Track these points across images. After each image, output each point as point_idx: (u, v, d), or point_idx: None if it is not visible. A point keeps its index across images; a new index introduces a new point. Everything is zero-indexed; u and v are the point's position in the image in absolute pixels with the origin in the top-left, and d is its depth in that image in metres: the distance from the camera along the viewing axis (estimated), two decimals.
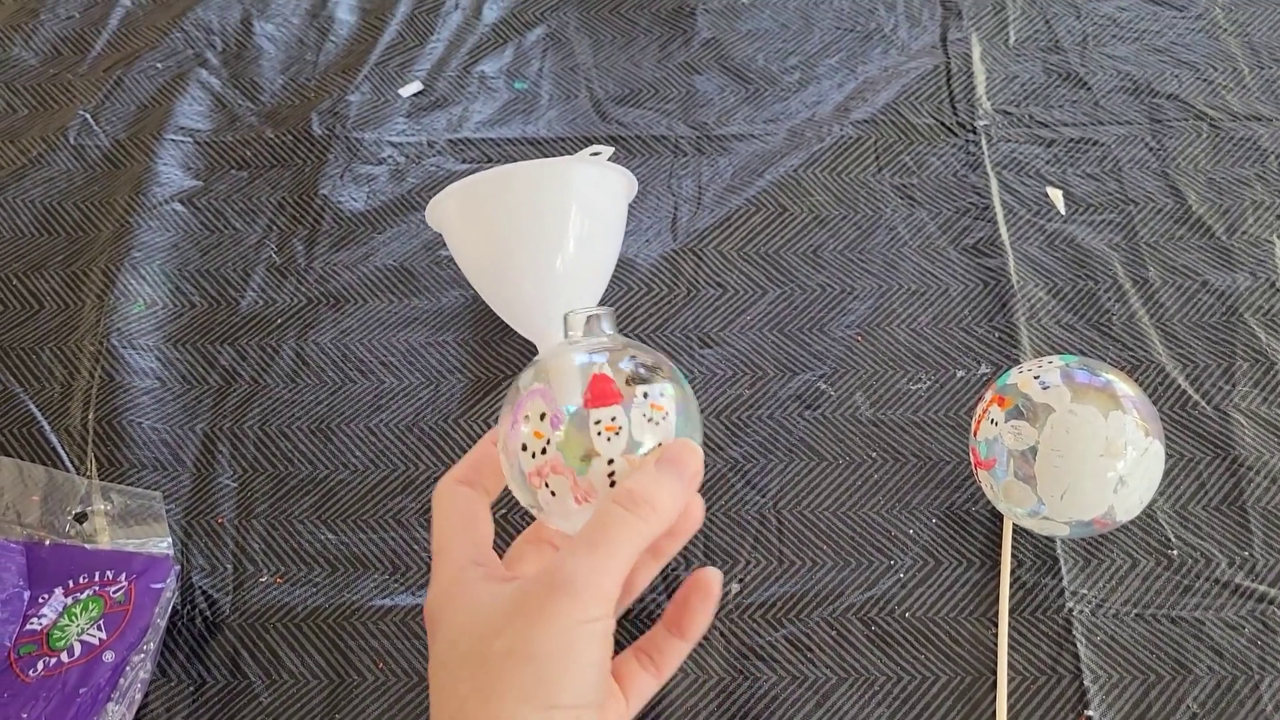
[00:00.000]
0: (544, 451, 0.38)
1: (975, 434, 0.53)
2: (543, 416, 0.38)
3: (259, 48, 0.80)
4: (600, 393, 0.38)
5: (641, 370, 0.39)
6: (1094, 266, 0.64)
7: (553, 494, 0.38)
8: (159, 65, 0.79)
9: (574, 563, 0.35)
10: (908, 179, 0.69)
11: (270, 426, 0.61)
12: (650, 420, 0.38)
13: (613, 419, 0.38)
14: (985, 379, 0.60)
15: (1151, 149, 0.69)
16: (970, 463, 0.55)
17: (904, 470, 0.58)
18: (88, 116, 0.76)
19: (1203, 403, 0.59)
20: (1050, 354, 0.60)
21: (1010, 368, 0.57)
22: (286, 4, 0.82)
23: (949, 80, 0.73)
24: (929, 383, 0.61)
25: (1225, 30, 0.74)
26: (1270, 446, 0.57)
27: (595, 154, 0.67)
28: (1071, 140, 0.70)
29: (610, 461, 0.37)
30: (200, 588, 0.56)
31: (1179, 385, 0.59)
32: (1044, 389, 0.50)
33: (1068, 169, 0.69)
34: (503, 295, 0.60)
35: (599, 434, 0.38)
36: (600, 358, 0.39)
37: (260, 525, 0.58)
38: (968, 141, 0.70)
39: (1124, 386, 0.50)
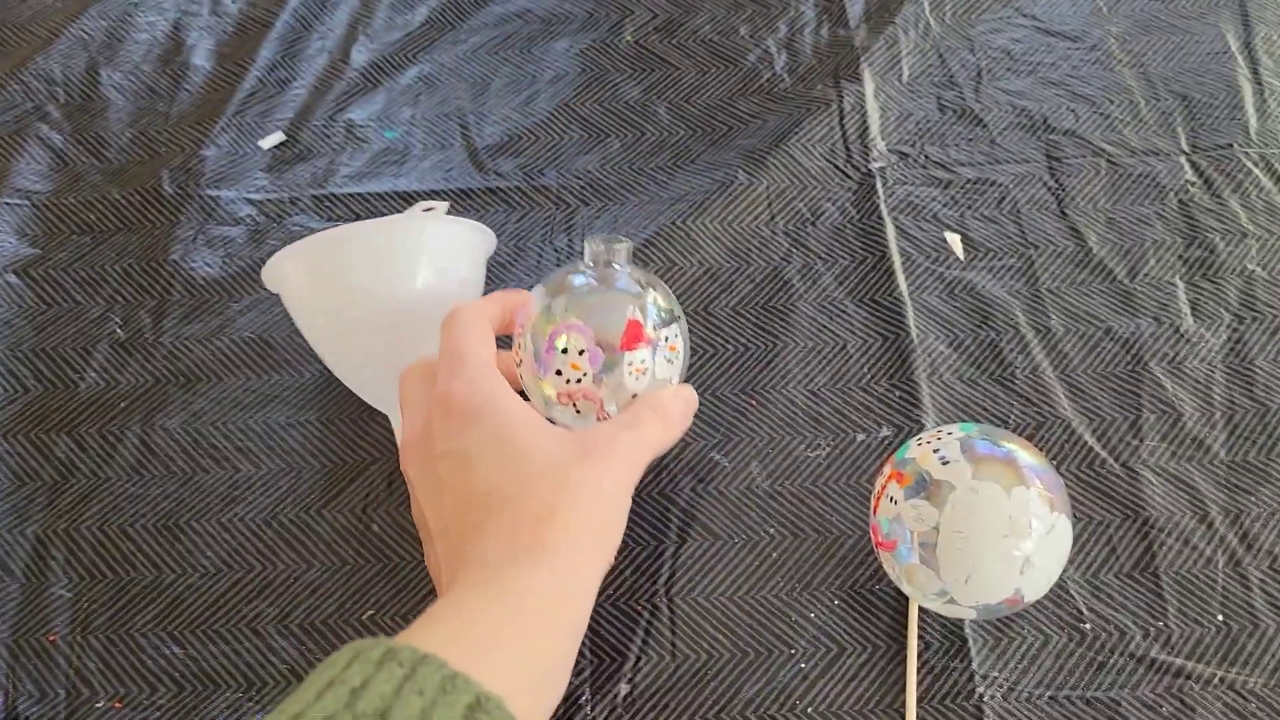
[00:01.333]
0: (579, 381, 0.45)
1: (875, 511, 0.49)
2: (581, 352, 0.45)
3: (106, 99, 0.74)
4: (633, 337, 0.45)
5: (661, 314, 0.47)
6: (995, 316, 0.61)
7: (578, 412, 0.46)
8: None
9: (625, 438, 0.44)
10: (802, 227, 0.65)
11: (111, 526, 0.55)
12: (668, 360, 0.47)
13: (642, 361, 0.45)
14: (886, 443, 0.57)
15: (1050, 188, 0.66)
16: (871, 540, 0.51)
17: (804, 547, 0.54)
18: None
19: (1110, 460, 0.56)
20: (952, 413, 0.57)
21: (909, 438, 0.53)
22: (137, 50, 0.76)
23: (842, 120, 0.70)
24: (828, 449, 0.57)
25: (1120, 61, 0.72)
26: (1180, 505, 0.55)
27: (428, 209, 0.63)
28: (969, 181, 0.67)
29: (634, 395, 0.46)
30: (27, 719, 0.50)
31: (1086, 442, 0.57)
32: (944, 464, 0.47)
33: (965, 212, 0.66)
34: (350, 364, 0.55)
35: (630, 374, 0.46)
36: (632, 304, 0.46)
37: (98, 641, 0.52)
38: (863, 185, 0.67)
39: (1026, 457, 0.47)
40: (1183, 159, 0.67)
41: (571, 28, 0.76)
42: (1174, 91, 0.71)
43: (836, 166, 0.68)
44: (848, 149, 0.69)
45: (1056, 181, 0.67)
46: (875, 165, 0.68)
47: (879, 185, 0.67)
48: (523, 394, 0.47)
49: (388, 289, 0.53)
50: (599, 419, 0.46)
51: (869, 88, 0.71)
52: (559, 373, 0.45)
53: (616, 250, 0.48)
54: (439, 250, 0.54)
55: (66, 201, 0.68)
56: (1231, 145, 0.67)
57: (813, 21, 0.76)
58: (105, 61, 0.76)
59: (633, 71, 0.74)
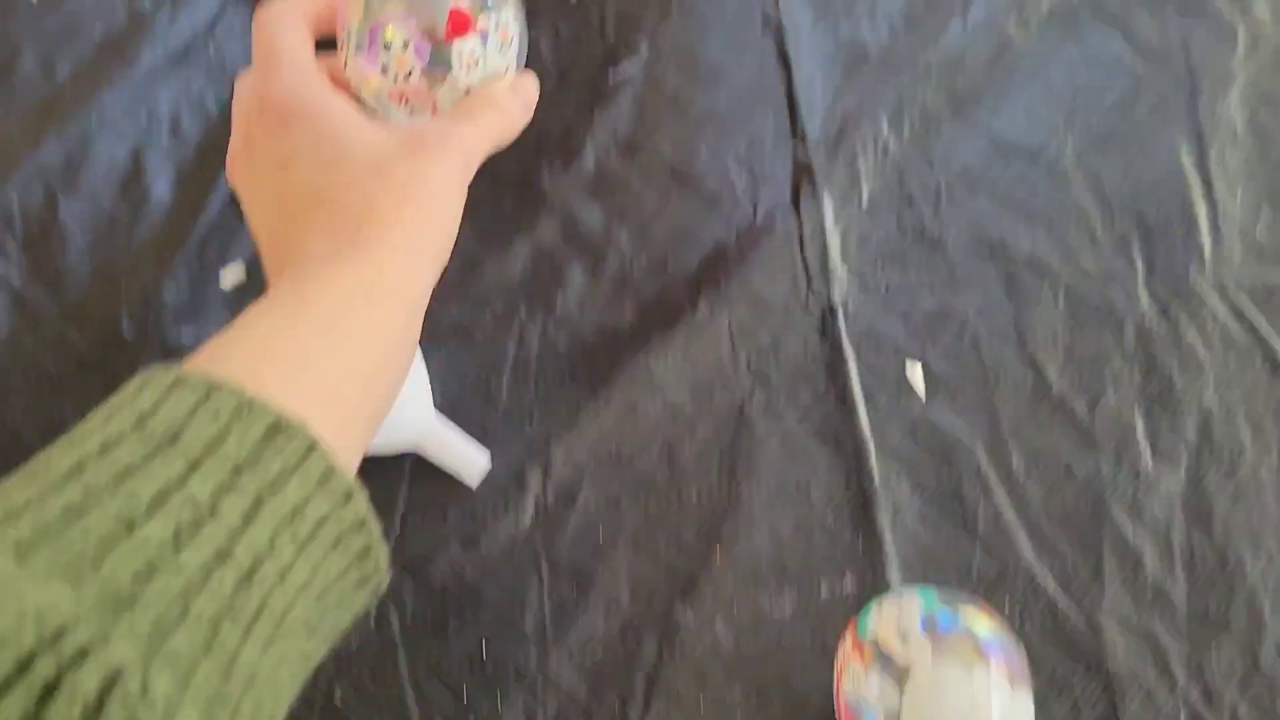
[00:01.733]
0: (407, 77, 0.43)
1: (838, 684, 0.50)
2: (405, 45, 0.42)
3: (65, 231, 0.73)
4: (459, 24, 0.43)
5: None
6: (957, 456, 0.62)
7: (411, 112, 0.44)
8: None
9: (457, 130, 0.42)
10: (764, 363, 0.66)
11: None
12: (500, 49, 0.44)
13: (471, 51, 0.43)
14: (849, 598, 0.57)
15: (1010, 318, 0.67)
16: (834, 708, 0.51)
17: (770, 713, 0.54)
18: None
19: (1073, 611, 0.56)
20: (916, 564, 0.57)
21: (872, 593, 0.54)
22: (96, 177, 0.76)
23: (802, 246, 0.70)
24: (792, 605, 0.57)
25: (1076, 181, 0.73)
26: (1142, 658, 0.55)
27: None
28: (929, 312, 0.67)
29: (468, 90, 0.44)
30: None
31: (1048, 592, 0.57)
32: (904, 642, 0.47)
33: (927, 344, 0.66)
34: None
35: (460, 66, 0.43)
36: None
37: None
38: (824, 314, 0.67)
39: (985, 630, 0.48)
40: (1140, 286, 0.68)
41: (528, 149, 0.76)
42: (1130, 212, 0.71)
43: (798, 295, 0.68)
44: (809, 277, 0.69)
45: (1016, 311, 0.67)
46: (836, 293, 0.68)
47: (841, 315, 0.67)
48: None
49: None
50: (431, 113, 0.44)
51: (829, 211, 0.72)
52: (385, 70, 0.43)
53: None
54: None
55: (23, 345, 0.68)
56: (1187, 272, 0.68)
57: (771, 140, 0.76)
58: (64, 190, 0.75)
59: (594, 197, 0.74)
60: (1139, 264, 0.69)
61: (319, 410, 0.33)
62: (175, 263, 0.71)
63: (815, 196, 0.73)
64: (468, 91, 0.44)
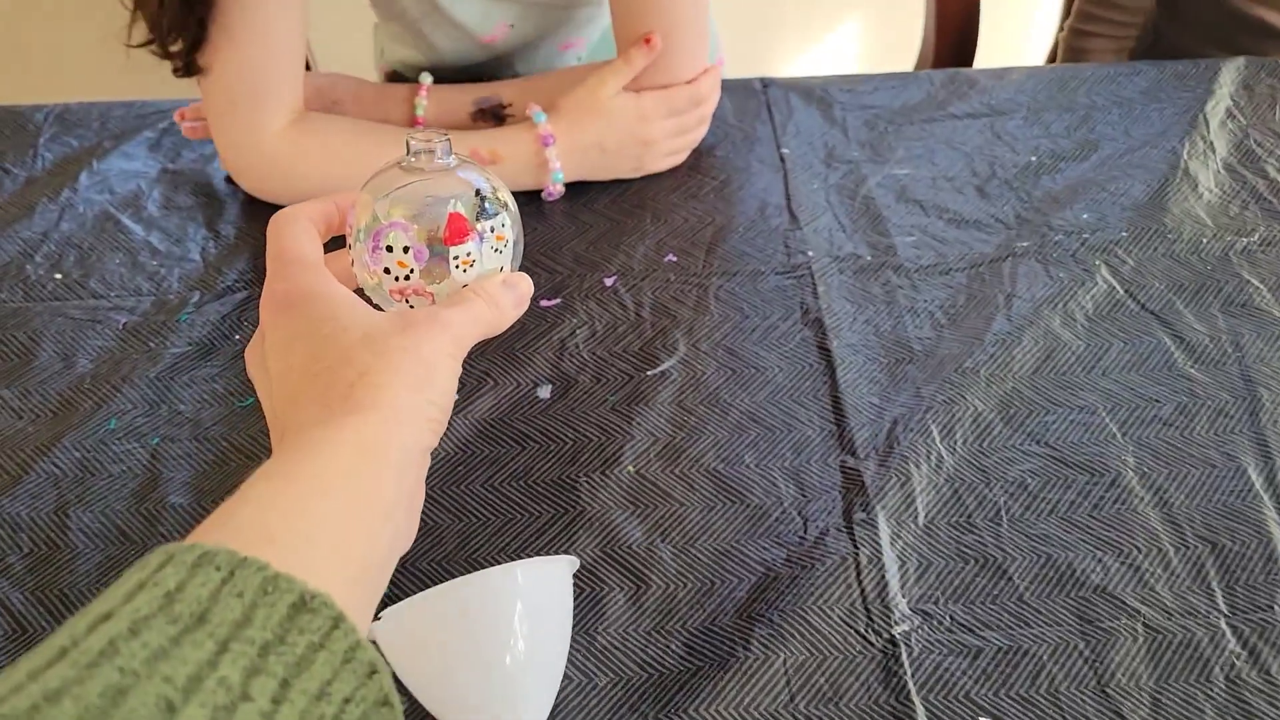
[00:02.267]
0: (407, 277, 0.48)
1: None
2: (406, 250, 0.47)
3: (73, 547, 0.69)
4: (457, 231, 0.47)
5: (486, 205, 0.48)
6: None
7: (411, 306, 0.49)
8: None
9: (448, 313, 0.46)
10: (825, 709, 0.60)
11: None
12: (495, 250, 0.50)
13: (468, 254, 0.48)
14: None
15: (1087, 659, 0.62)
16: None
17: None
18: None
19: None
20: None
21: None
22: (110, 485, 0.72)
23: (859, 574, 0.66)
24: None
25: (1142, 499, 0.69)
26: None
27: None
28: (999, 650, 0.63)
29: (464, 286, 0.48)
30: None
31: None
32: None
33: (1000, 690, 0.61)
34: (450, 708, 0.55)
35: (456, 267, 0.48)
36: (455, 197, 0.48)
37: None
38: (886, 655, 0.62)
39: None
40: (1223, 622, 0.63)
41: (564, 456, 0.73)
42: (1202, 537, 0.68)
43: (858, 632, 0.64)
44: (868, 610, 0.64)
45: (1093, 651, 0.62)
46: (899, 630, 0.63)
47: (904, 655, 0.62)
48: (361, 295, 0.49)
49: (488, 636, 0.54)
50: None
51: (885, 533, 0.68)
52: (387, 270, 0.48)
53: (437, 143, 0.49)
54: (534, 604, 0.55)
55: None
56: (1272, 607, 0.64)
57: (819, 448, 0.73)
58: (76, 500, 0.71)
59: (635, 508, 0.70)
60: (1219, 596, 0.65)
61: (330, 569, 0.36)
62: None
63: (869, 515, 0.69)
64: (464, 288, 0.49)
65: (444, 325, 0.46)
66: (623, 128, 0.87)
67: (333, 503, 0.38)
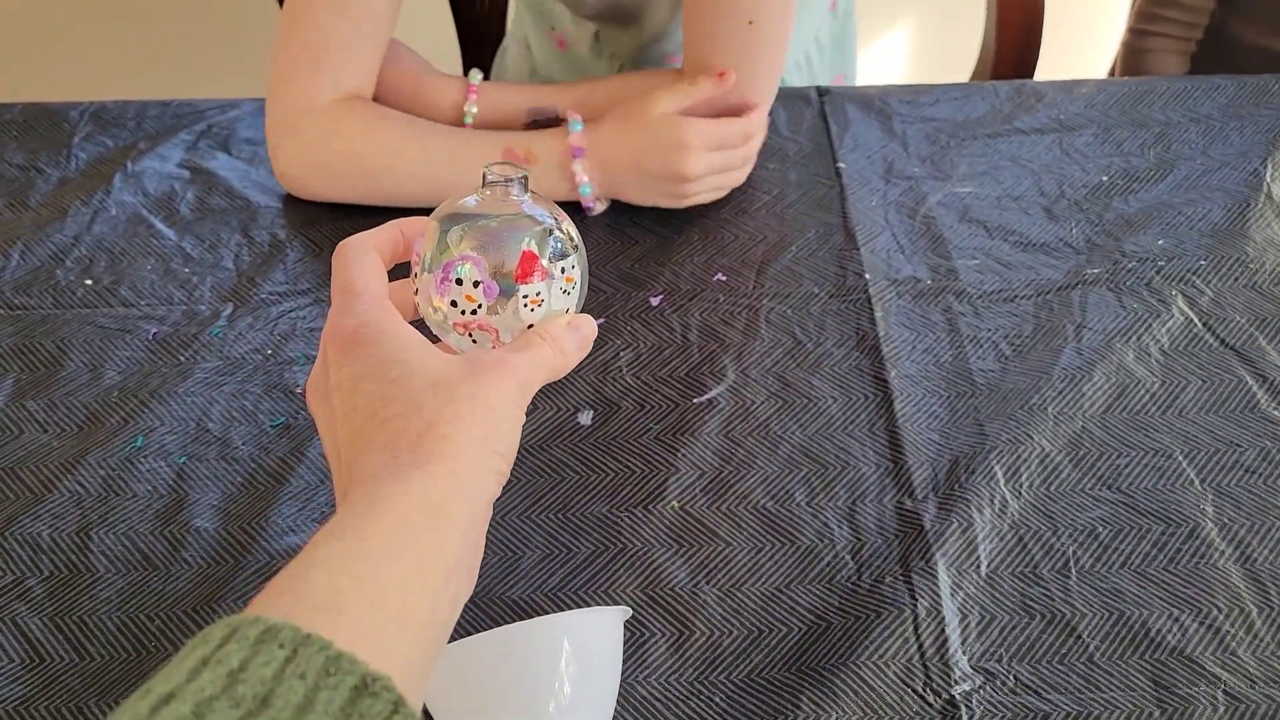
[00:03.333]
0: (474, 312, 0.47)
1: None
2: (476, 284, 0.46)
3: (94, 570, 0.66)
4: (528, 270, 0.46)
5: (559, 245, 0.48)
6: None
7: (474, 341, 0.48)
8: None
9: (514, 358, 0.45)
10: None
11: None
12: (565, 292, 0.48)
13: (537, 294, 0.47)
14: None
15: None
16: None
17: None
18: None
19: None
20: None
21: None
22: (134, 506, 0.69)
23: (917, 629, 0.62)
24: None
25: (1222, 553, 0.65)
26: None
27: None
28: (1067, 716, 0.58)
29: (530, 326, 0.47)
30: None
31: None
32: None
33: None
34: None
35: (525, 305, 0.47)
36: (530, 235, 0.47)
37: None
38: (945, 717, 0.58)
39: None
40: None
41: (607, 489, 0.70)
42: None
43: (915, 691, 0.60)
44: (926, 668, 0.60)
45: None
46: (959, 690, 0.59)
47: (964, 718, 0.58)
48: (420, 324, 0.49)
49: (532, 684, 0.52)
50: (494, 346, 0.48)
51: (944, 584, 0.64)
52: (454, 303, 0.47)
53: (514, 178, 0.48)
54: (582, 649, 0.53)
55: (36, 713, 0.60)
56: None
57: (875, 488, 0.69)
58: (98, 521, 0.69)
59: (678, 546, 0.66)
60: None
61: (396, 634, 0.36)
62: (212, 621, 0.63)
63: (928, 562, 0.65)
64: (529, 327, 0.48)
65: (510, 371, 0.45)
66: (663, 151, 0.82)
67: (401, 564, 0.38)
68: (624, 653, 0.62)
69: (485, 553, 0.64)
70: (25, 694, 0.61)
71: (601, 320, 0.81)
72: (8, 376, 0.78)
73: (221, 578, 0.66)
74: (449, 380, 0.43)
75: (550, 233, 0.48)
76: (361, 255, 0.48)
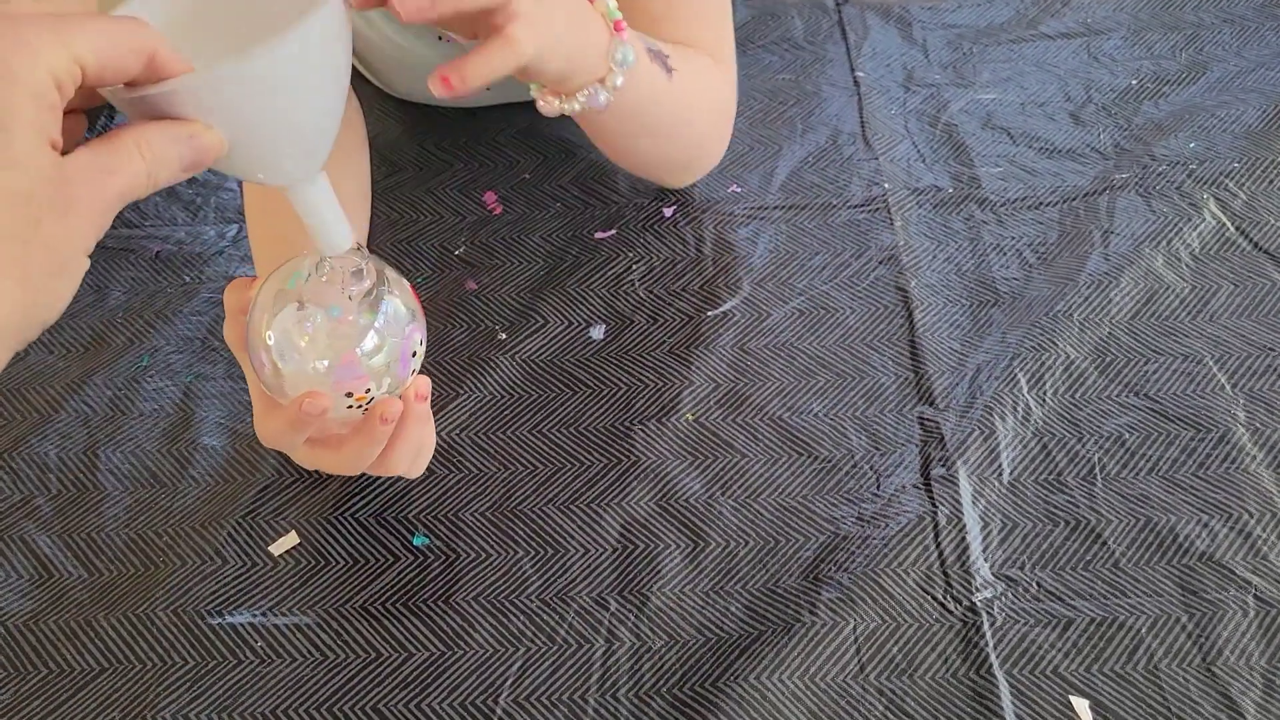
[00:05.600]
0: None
1: None
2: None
3: (102, 488, 0.65)
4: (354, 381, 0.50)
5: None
6: None
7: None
8: None
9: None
10: (897, 682, 0.55)
11: None
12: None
13: (366, 390, 0.51)
14: None
15: (1191, 635, 0.56)
16: None
17: None
18: None
19: None
20: None
21: None
22: (140, 425, 0.69)
23: (936, 534, 0.61)
24: None
25: (1254, 458, 0.63)
26: None
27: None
28: (1092, 621, 0.57)
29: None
30: None
31: None
32: None
33: (1092, 666, 0.55)
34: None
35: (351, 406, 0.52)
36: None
37: None
38: (966, 624, 0.57)
39: None
40: None
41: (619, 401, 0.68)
42: None
43: (935, 598, 0.58)
44: (946, 575, 0.59)
45: (1197, 625, 0.56)
46: (980, 597, 0.58)
47: (986, 625, 0.57)
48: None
49: None
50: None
51: (966, 492, 0.62)
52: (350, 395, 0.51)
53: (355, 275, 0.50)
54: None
55: (45, 629, 0.59)
56: None
57: (894, 398, 0.67)
58: (105, 440, 0.68)
59: (691, 462, 0.65)
60: None
61: None
62: (220, 536, 0.63)
63: (949, 470, 0.63)
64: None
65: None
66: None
67: None
68: (639, 564, 0.61)
69: (491, 465, 0.63)
70: (35, 609, 0.61)
71: (612, 232, 0.79)
72: None
73: (229, 494, 0.65)
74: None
75: (376, 330, 0.51)
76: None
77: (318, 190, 0.46)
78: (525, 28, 0.49)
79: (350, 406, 0.51)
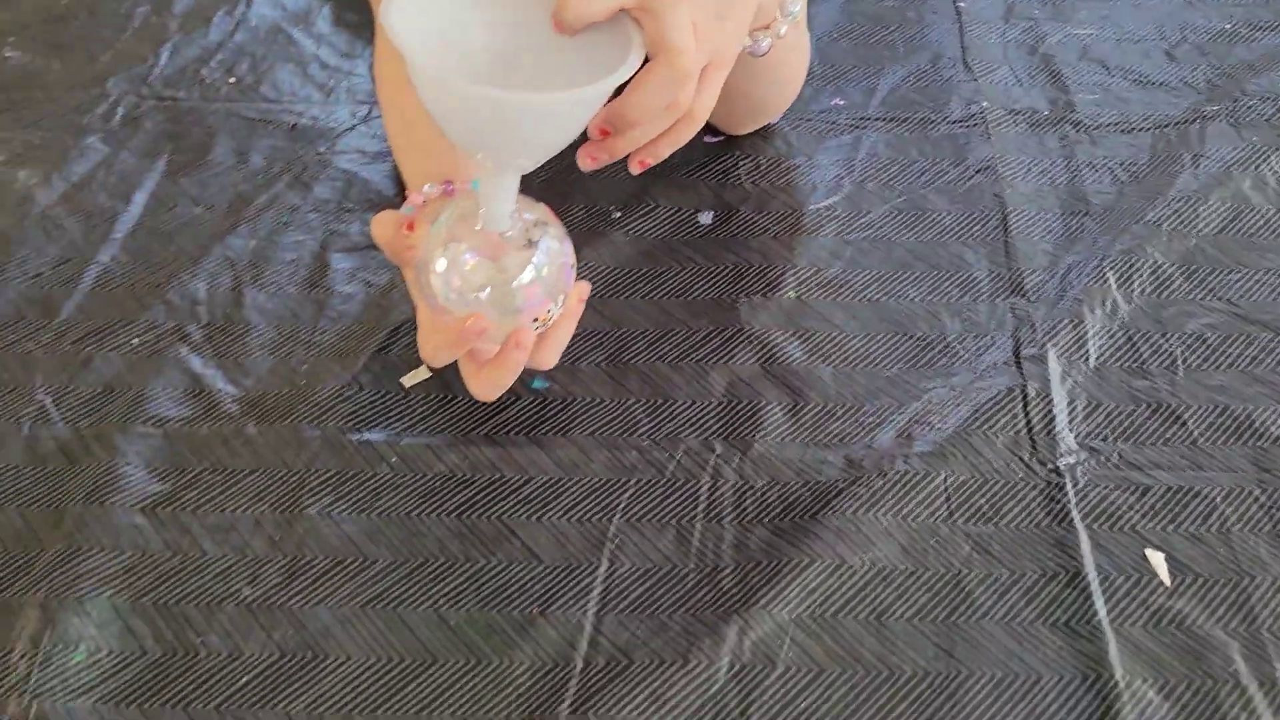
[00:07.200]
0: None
1: None
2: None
3: (248, 322, 0.71)
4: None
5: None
6: (1210, 658, 0.55)
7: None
8: (135, 341, 0.70)
9: None
10: (984, 528, 0.60)
11: None
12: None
13: (547, 311, 0.55)
14: None
15: (1263, 506, 0.60)
16: None
17: None
18: (48, 403, 0.66)
19: None
20: None
21: None
22: (282, 271, 0.74)
23: (1025, 406, 0.65)
24: None
25: None
26: None
27: None
28: (1169, 489, 0.61)
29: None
30: None
31: None
32: None
33: (1168, 526, 0.59)
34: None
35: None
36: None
37: None
38: (1050, 484, 0.61)
39: None
40: None
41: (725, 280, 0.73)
42: None
43: (1022, 460, 0.62)
44: (1033, 441, 0.63)
45: (1270, 499, 0.60)
46: (1064, 462, 0.62)
47: (1069, 485, 0.61)
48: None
49: None
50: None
51: (1054, 372, 0.66)
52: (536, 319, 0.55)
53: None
54: None
55: (200, 433, 0.65)
56: None
57: (987, 288, 0.72)
58: (250, 282, 0.74)
59: (796, 331, 0.70)
60: None
61: None
62: (358, 366, 0.68)
63: (1039, 351, 0.67)
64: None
65: None
66: None
67: None
68: (742, 417, 0.65)
69: (605, 325, 0.68)
70: (190, 416, 0.66)
71: (721, 138, 0.83)
72: (160, 157, 0.83)
73: (363, 334, 0.70)
74: None
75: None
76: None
77: (512, 180, 0.51)
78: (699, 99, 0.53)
79: (537, 328, 0.55)
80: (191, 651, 0.56)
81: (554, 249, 0.54)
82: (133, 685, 0.55)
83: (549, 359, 0.59)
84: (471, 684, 0.55)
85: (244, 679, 0.55)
